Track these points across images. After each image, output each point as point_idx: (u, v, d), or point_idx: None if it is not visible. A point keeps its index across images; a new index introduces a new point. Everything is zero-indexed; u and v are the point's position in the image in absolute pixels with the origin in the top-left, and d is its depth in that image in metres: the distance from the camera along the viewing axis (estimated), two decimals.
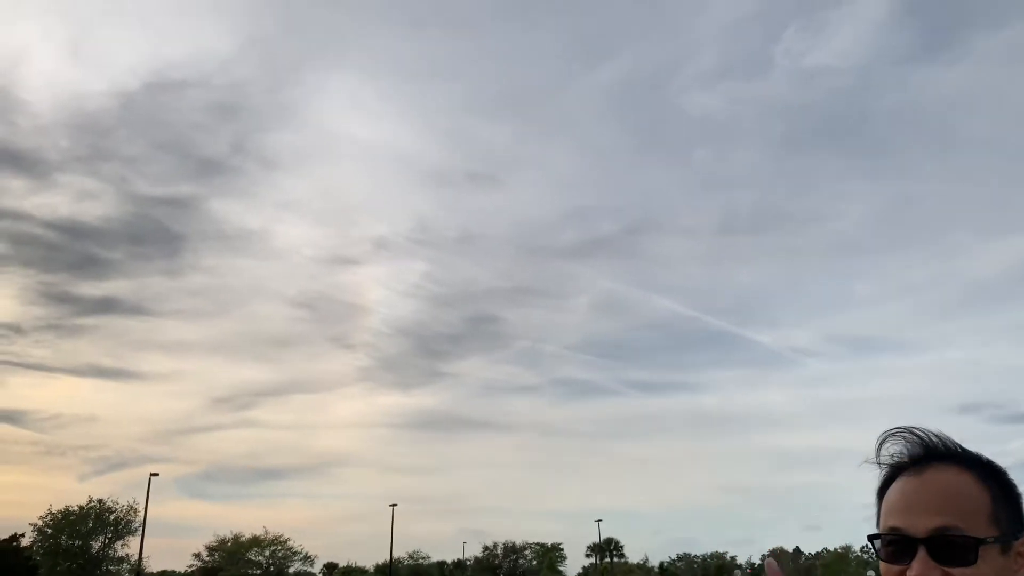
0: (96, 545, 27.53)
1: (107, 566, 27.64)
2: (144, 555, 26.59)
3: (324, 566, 39.23)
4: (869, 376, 55.26)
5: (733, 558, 41.21)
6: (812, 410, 54.09)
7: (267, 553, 33.37)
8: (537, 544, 40.77)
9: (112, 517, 27.86)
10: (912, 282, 54.72)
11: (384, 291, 52.84)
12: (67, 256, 47.10)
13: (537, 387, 56.91)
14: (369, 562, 39.90)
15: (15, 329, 44.09)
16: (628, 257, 56.44)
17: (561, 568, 40.97)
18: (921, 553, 0.77)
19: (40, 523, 27.20)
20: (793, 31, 50.26)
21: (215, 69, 49.32)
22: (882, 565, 0.80)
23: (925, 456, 0.81)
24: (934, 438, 0.82)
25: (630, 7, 51.49)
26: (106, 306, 48.56)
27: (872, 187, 54.62)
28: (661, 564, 41.97)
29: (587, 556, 42.74)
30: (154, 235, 48.14)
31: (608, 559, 42.31)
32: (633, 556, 42.34)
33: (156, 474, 25.65)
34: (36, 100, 50.23)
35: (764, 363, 56.82)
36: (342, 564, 40.45)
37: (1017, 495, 0.81)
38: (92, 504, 27.78)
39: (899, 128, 53.71)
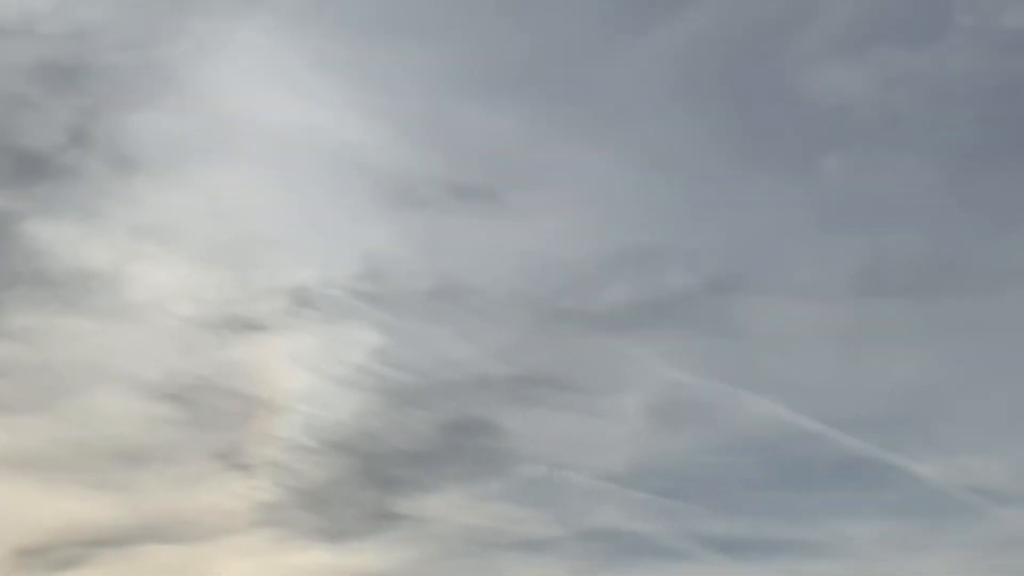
0: None
1: None
2: None
3: None
4: None
5: None
6: None
7: None
8: None
9: None
10: None
11: (308, 377, 38.08)
12: None
13: (555, 542, 39.14)
14: None
15: None
16: (708, 331, 39.85)
17: None
18: None
19: None
20: None
21: (49, 10, 35.71)
22: None
23: None
24: None
25: None
26: None
27: None
28: None
29: None
30: None
31: None
32: None
33: None
34: None
35: (928, 510, 39.76)
36: None
37: None
38: None
39: None
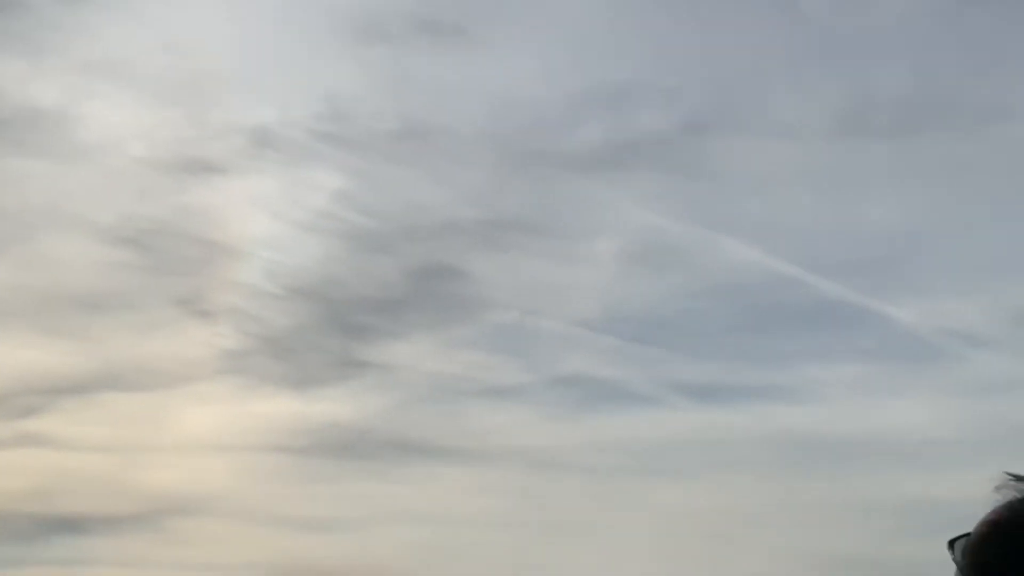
0: None
1: None
2: None
3: None
4: None
5: None
6: (983, 434, 31.60)
7: None
8: None
9: None
10: None
11: (269, 221, 33.39)
12: None
13: (525, 389, 34.13)
14: None
15: None
16: (684, 173, 34.04)
17: None
18: None
19: None
20: None
21: None
22: None
23: None
24: None
25: None
26: None
27: None
28: None
29: None
30: None
31: None
32: None
33: None
34: None
35: (904, 355, 34.62)
36: None
37: None
38: None
39: None
